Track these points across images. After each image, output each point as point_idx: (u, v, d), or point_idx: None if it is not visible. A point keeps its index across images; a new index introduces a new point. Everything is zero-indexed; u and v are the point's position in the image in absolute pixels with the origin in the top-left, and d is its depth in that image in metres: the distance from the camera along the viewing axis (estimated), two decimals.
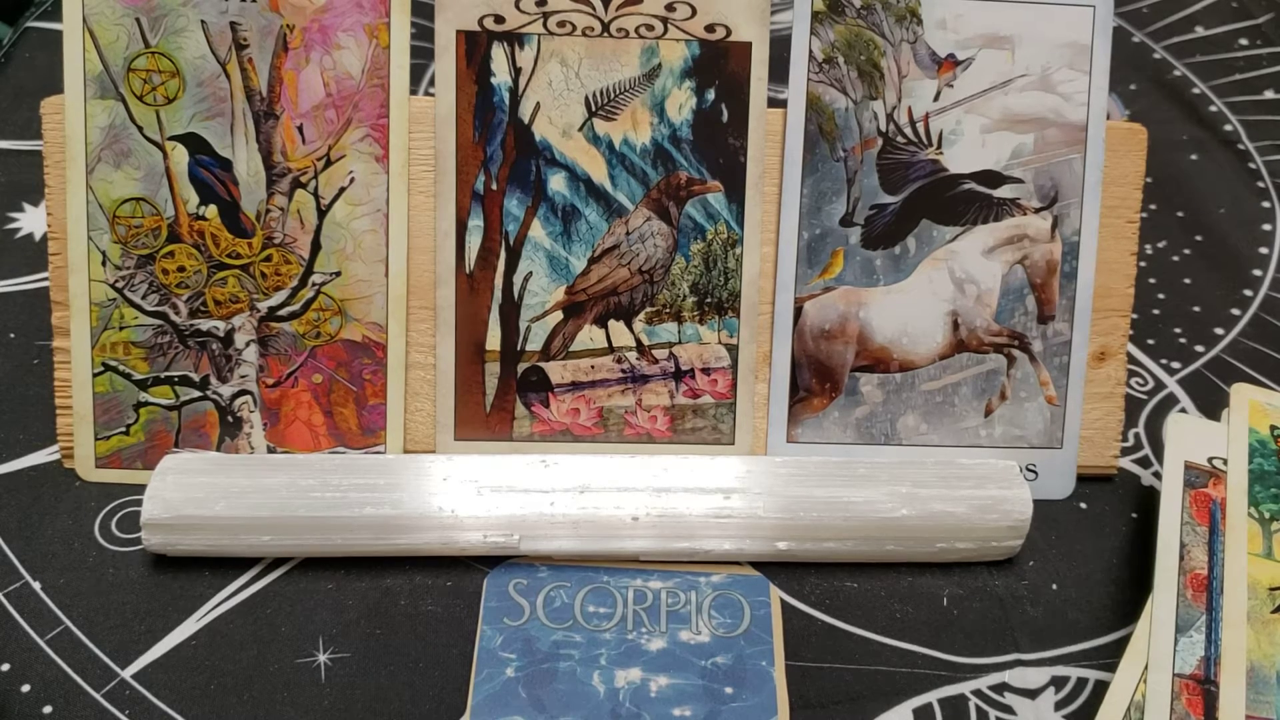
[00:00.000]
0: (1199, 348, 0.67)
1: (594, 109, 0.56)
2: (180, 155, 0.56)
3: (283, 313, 0.57)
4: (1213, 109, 0.83)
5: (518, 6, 0.55)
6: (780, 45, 0.56)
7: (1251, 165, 0.79)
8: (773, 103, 0.56)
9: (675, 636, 0.51)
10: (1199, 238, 0.74)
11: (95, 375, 0.56)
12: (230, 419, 0.57)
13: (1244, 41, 0.88)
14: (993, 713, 0.50)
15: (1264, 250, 0.73)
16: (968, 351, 0.58)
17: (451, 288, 0.57)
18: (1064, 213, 0.57)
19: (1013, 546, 0.55)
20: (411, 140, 0.56)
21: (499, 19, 0.55)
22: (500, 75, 0.56)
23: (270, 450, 0.57)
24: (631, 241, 0.57)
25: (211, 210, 0.56)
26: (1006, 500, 0.54)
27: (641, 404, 0.58)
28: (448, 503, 0.53)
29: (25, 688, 0.49)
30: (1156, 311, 0.69)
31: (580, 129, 0.56)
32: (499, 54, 0.55)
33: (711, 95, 0.56)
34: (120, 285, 0.56)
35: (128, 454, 0.57)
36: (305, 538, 0.52)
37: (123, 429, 0.57)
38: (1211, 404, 0.63)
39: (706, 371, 0.58)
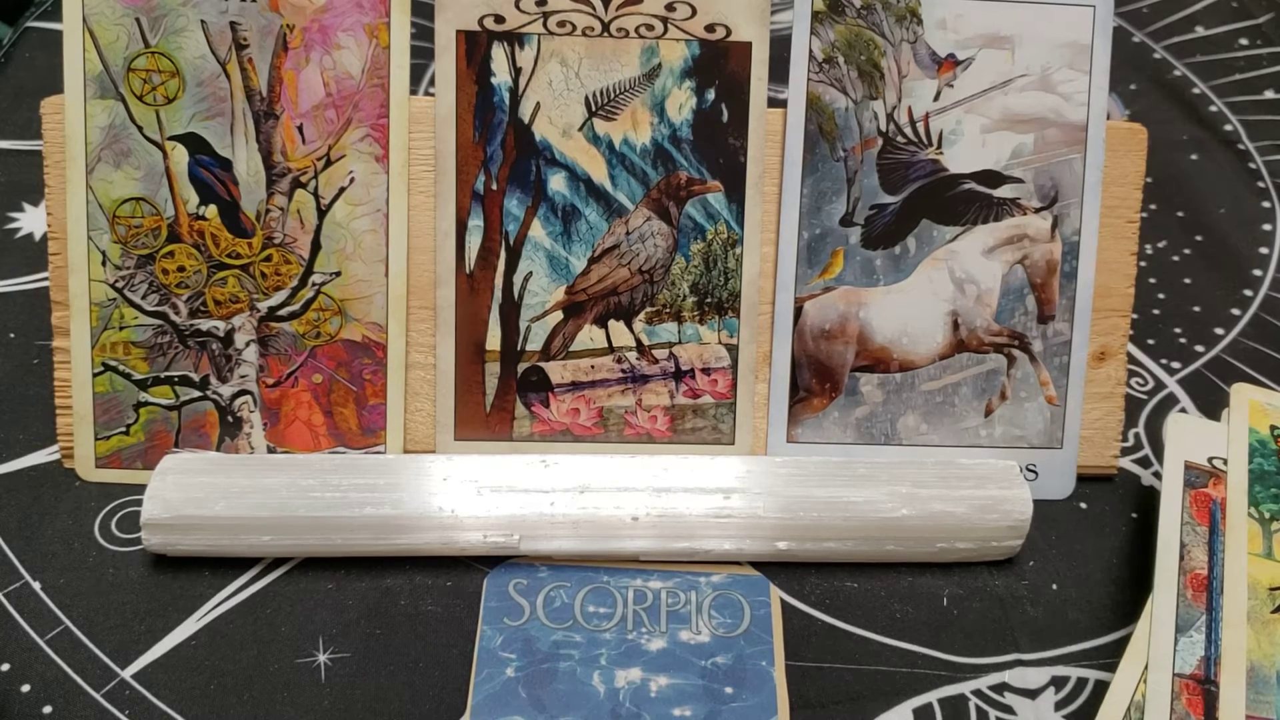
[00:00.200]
0: (1199, 348, 0.67)
1: (594, 109, 0.56)
2: (180, 155, 0.55)
3: (283, 313, 0.57)
4: (1213, 109, 0.83)
5: (518, 6, 0.55)
6: (780, 45, 0.56)
7: (1251, 165, 0.79)
8: (773, 103, 0.56)
9: (675, 636, 0.51)
10: (1199, 238, 0.74)
11: (95, 375, 0.56)
12: (230, 419, 0.57)
13: (1244, 41, 0.88)
14: (993, 713, 0.50)
15: (1264, 250, 0.73)
16: (968, 351, 0.58)
17: (451, 288, 0.57)
18: (1064, 213, 0.57)
19: (1013, 546, 0.55)
20: (411, 140, 0.56)
21: (499, 19, 0.55)
22: (500, 75, 0.56)
23: (270, 450, 0.57)
24: (631, 241, 0.57)
25: (211, 210, 0.56)
26: (1006, 500, 0.54)
27: (641, 404, 0.58)
28: (448, 503, 0.53)
29: (25, 688, 0.49)
30: (1156, 311, 0.69)
31: (580, 129, 0.56)
32: (499, 54, 0.55)
33: (711, 95, 0.56)
34: (120, 285, 0.56)
35: (128, 454, 0.57)
36: (305, 538, 0.52)
37: (123, 429, 0.57)
38: (1211, 404, 0.63)
39: (706, 371, 0.58)
